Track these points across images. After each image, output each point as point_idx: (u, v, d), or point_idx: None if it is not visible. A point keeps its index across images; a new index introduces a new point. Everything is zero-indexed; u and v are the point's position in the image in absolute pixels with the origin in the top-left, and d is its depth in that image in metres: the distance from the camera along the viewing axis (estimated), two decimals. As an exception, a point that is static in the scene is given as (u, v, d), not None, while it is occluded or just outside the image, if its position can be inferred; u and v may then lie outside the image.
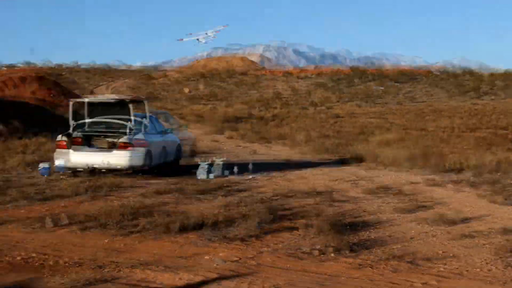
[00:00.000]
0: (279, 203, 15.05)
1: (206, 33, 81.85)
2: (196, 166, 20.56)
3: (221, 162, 20.30)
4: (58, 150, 19.56)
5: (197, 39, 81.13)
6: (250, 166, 20.72)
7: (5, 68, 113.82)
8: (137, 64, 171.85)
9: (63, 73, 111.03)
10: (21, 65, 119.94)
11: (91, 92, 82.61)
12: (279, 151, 29.86)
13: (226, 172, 20.17)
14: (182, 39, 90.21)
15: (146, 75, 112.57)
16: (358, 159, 24.58)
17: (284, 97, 77.42)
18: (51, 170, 19.57)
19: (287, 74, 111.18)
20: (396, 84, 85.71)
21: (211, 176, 19.83)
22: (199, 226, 12.18)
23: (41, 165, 19.63)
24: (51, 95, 60.89)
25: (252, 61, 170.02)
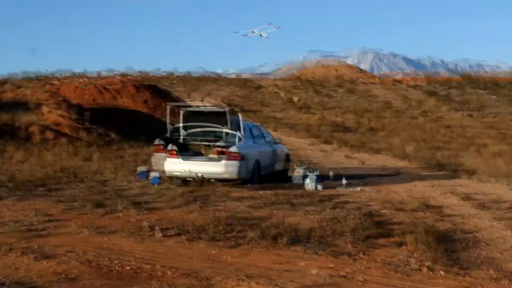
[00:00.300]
0: (388, 217, 14.87)
1: (253, 31, 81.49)
2: (304, 177, 20.50)
3: (314, 176, 20.07)
4: (168, 159, 19.79)
5: (260, 35, 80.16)
6: (344, 181, 20.42)
7: (119, 77, 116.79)
8: (231, 72, 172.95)
9: (175, 81, 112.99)
10: (134, 74, 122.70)
11: (201, 100, 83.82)
12: (388, 162, 29.50)
13: (320, 186, 19.83)
14: (238, 32, 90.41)
15: (251, 82, 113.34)
16: (469, 171, 24.03)
17: (394, 106, 76.45)
18: (160, 179, 19.89)
19: (397, 82, 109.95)
20: (509, 92, 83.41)
21: (319, 187, 19.74)
22: (306, 238, 12.16)
23: (152, 174, 19.93)
24: (162, 104, 62.04)
25: (361, 69, 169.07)
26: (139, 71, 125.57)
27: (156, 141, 20.19)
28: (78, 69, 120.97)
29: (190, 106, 21.24)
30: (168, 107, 21.21)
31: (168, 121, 20.85)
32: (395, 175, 24.31)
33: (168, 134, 20.57)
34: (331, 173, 20.48)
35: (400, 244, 11.93)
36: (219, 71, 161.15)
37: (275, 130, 47.31)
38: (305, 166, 20.58)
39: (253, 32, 79.56)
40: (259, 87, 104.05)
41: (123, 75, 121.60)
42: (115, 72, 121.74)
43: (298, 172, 20.14)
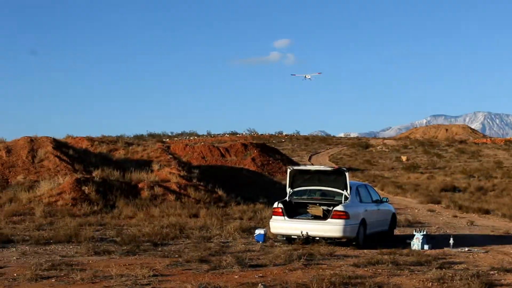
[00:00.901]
0: (496, 278, 14.46)
1: (305, 76, 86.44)
2: (411, 236, 20.18)
3: (421, 236, 19.67)
4: (274, 217, 19.85)
5: (304, 76, 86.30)
6: (451, 241, 19.89)
7: (228, 135, 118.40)
8: (352, 134, 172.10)
9: (283, 140, 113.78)
10: (242, 133, 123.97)
11: (309, 159, 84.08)
12: (498, 223, 28.73)
13: (427, 246, 19.43)
14: (294, 74, 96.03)
15: (363, 142, 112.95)
16: None
17: (505, 166, 74.68)
18: (266, 237, 19.98)
19: (509, 142, 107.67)
20: None
21: (426, 247, 19.37)
22: (410, 299, 11.94)
23: (257, 231, 20.09)
24: (269, 161, 62.49)
25: (473, 129, 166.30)
26: (248, 129, 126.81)
27: (275, 204, 20.21)
28: (202, 132, 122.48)
29: (307, 170, 21.20)
30: (289, 170, 21.18)
31: (288, 185, 20.83)
32: (504, 236, 23.64)
33: (287, 198, 20.59)
34: (451, 241, 19.95)
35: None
36: (341, 134, 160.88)
37: (382, 189, 46.87)
38: (425, 232, 20.14)
39: (305, 77, 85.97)
40: (367, 146, 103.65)
41: (233, 133, 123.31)
42: (236, 134, 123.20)
43: (417, 238, 19.72)
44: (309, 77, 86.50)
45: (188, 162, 45.32)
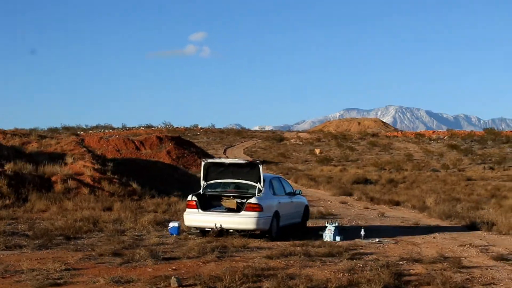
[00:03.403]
0: (405, 268, 14.89)
1: None
2: (323, 228, 20.53)
3: (333, 227, 20.08)
4: (188, 210, 19.92)
5: None
6: (362, 232, 20.34)
7: (143, 128, 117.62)
8: (267, 128, 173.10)
9: (198, 133, 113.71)
10: (158, 126, 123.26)
11: (224, 152, 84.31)
12: (407, 214, 29.45)
13: (338, 238, 19.85)
14: None
15: (277, 135, 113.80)
16: (489, 224, 23.91)
17: (416, 159, 76.44)
18: (181, 229, 20.05)
19: (419, 135, 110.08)
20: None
21: (338, 238, 19.76)
22: (322, 289, 12.20)
23: (171, 224, 20.14)
24: (185, 154, 62.46)
25: (384, 123, 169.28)
26: (163, 122, 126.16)
27: (189, 197, 20.25)
28: (117, 125, 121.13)
29: (221, 163, 21.26)
30: (206, 162, 21.21)
31: (202, 177, 20.88)
32: (414, 227, 24.27)
33: (201, 191, 20.65)
34: (362, 232, 20.37)
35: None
36: (256, 127, 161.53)
37: (296, 182, 47.42)
38: (336, 223, 20.50)
39: None
40: (281, 139, 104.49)
41: (148, 126, 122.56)
42: (151, 127, 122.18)
43: (329, 229, 20.07)
44: None
45: (103, 155, 44.92)
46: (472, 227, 23.96)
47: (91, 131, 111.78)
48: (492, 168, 62.73)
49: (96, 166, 33.04)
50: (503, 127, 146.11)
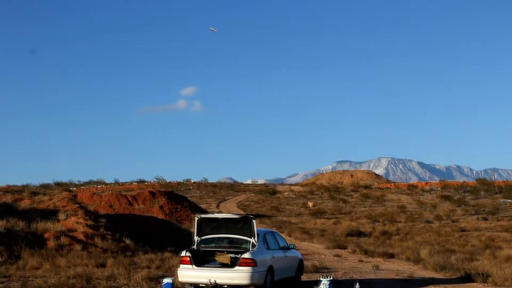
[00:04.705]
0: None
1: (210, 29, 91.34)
2: (318, 282, 20.48)
3: (328, 281, 20.02)
4: (182, 265, 19.85)
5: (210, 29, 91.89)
6: (357, 286, 20.28)
7: (136, 183, 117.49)
8: (260, 182, 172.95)
9: (191, 187, 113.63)
10: (150, 181, 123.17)
11: (217, 206, 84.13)
12: (402, 267, 29.41)
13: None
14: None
15: (270, 188, 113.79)
16: (484, 276, 23.89)
17: (409, 211, 76.44)
18: (175, 286, 19.96)
19: (412, 187, 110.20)
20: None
21: (332, 292, 19.67)
22: None
23: (165, 280, 20.04)
24: (177, 209, 62.34)
25: (377, 175, 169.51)
26: (156, 177, 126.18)
27: (183, 253, 20.17)
28: (110, 180, 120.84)
29: (214, 219, 21.22)
30: (196, 218, 21.20)
31: (195, 233, 20.84)
32: (409, 280, 24.23)
33: (195, 246, 20.60)
34: (357, 286, 20.30)
35: None
36: (249, 181, 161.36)
37: (289, 235, 47.33)
38: (331, 277, 20.45)
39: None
40: (274, 192, 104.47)
41: (141, 181, 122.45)
42: (144, 182, 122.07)
43: (324, 284, 20.02)
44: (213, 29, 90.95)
45: (96, 211, 44.76)
46: (467, 278, 23.96)
47: (83, 187, 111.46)
48: (485, 219, 62.72)
49: (89, 222, 32.97)
50: (495, 177, 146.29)
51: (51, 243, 29.21)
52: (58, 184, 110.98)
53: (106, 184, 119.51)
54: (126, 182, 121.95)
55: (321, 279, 20.35)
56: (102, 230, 32.18)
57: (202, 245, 20.65)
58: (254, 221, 20.38)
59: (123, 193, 68.92)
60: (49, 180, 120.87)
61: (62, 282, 20.43)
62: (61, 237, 29.85)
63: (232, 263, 19.57)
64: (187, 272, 19.63)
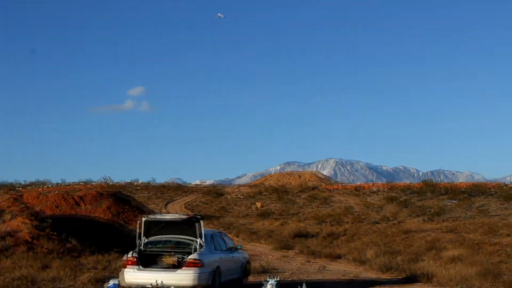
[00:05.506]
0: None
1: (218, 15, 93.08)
2: (264, 283, 20.54)
3: (274, 282, 20.11)
4: (127, 267, 19.72)
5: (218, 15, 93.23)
6: (304, 287, 20.41)
7: (83, 184, 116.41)
8: (208, 183, 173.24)
9: (138, 189, 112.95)
10: (96, 182, 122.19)
11: (165, 207, 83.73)
12: (349, 267, 29.65)
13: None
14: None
15: (218, 189, 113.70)
16: (429, 276, 24.21)
17: (356, 212, 77.06)
18: (120, 287, 19.84)
19: (359, 188, 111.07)
20: (469, 197, 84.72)
21: (279, 293, 19.75)
22: None
23: (111, 282, 19.91)
24: (125, 210, 61.93)
25: (324, 175, 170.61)
26: (103, 177, 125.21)
27: (129, 254, 19.99)
28: (56, 180, 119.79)
29: (161, 220, 21.11)
30: (143, 219, 21.04)
31: (142, 234, 20.70)
32: (352, 281, 24.44)
33: (141, 247, 20.45)
34: (304, 286, 20.41)
35: None
36: (197, 181, 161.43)
37: (237, 236, 47.35)
38: (277, 278, 20.51)
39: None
40: (222, 193, 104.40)
41: (88, 182, 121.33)
42: (91, 182, 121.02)
43: (271, 284, 20.08)
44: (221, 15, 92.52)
45: (42, 211, 44.25)
46: (412, 279, 24.26)
47: (30, 187, 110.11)
48: (431, 220, 63.49)
49: (35, 223, 32.59)
50: (441, 179, 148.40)
51: (-4, 244, 28.81)
52: (3, 185, 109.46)
53: (52, 184, 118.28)
54: (72, 183, 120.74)
55: (268, 279, 20.42)
56: (47, 231, 31.84)
57: (149, 246, 20.56)
58: (201, 221, 20.38)
59: (70, 193, 68.18)
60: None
61: (7, 283, 20.20)
62: (5, 238, 29.47)
63: (179, 264, 19.53)
64: (133, 274, 19.53)
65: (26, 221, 32.53)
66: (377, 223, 62.48)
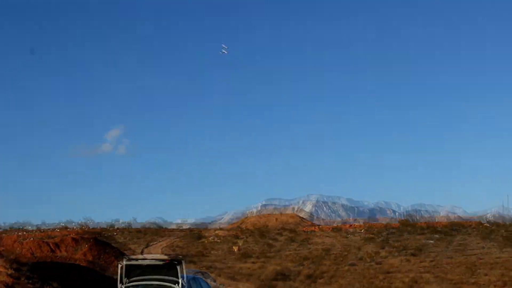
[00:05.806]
0: None
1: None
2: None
3: None
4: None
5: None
6: None
7: (58, 230, 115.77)
8: (189, 221, 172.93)
9: (115, 233, 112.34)
10: (74, 226, 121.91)
11: (141, 252, 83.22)
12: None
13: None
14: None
15: (195, 233, 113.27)
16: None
17: (333, 253, 76.99)
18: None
19: (337, 229, 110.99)
20: (446, 236, 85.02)
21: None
22: None
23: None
24: (102, 255, 61.50)
25: (301, 217, 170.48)
26: (84, 218, 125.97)
27: None
28: (37, 221, 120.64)
29: (140, 263, 20.98)
30: (124, 263, 20.88)
31: (124, 277, 20.51)
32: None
33: None
34: None
35: None
36: (178, 220, 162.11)
37: (215, 281, 47.11)
38: None
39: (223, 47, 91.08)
40: (199, 237, 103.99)
41: (64, 227, 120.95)
42: (71, 225, 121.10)
43: None
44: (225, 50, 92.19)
45: (17, 258, 43.87)
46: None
47: (6, 233, 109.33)
48: (408, 260, 63.55)
49: (10, 271, 32.26)
50: (420, 216, 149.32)
51: (-30, 293, 28.49)
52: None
53: (32, 226, 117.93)
54: (48, 229, 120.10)
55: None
56: (23, 279, 31.52)
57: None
58: (183, 262, 20.28)
59: (45, 240, 67.62)
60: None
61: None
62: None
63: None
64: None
65: (1, 269, 32.20)
66: (354, 265, 62.44)
